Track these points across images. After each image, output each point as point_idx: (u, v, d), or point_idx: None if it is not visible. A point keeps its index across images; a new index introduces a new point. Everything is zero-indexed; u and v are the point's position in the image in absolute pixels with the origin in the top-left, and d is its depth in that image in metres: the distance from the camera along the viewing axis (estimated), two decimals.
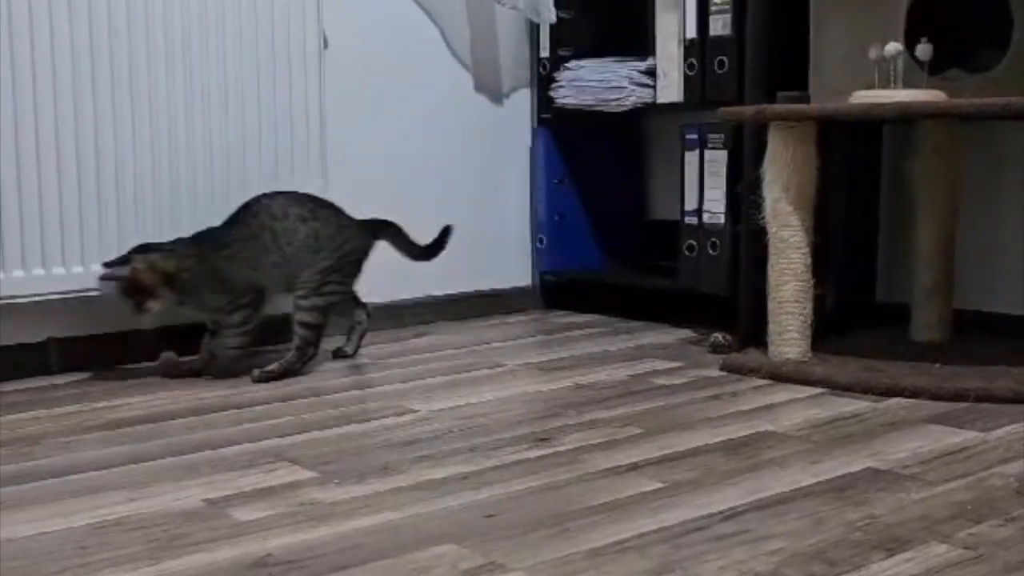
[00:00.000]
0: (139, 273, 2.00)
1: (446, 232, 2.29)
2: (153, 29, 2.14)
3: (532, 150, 2.85)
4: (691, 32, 2.47)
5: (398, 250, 2.27)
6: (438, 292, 2.73)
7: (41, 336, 2.14)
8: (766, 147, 2.08)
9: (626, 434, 1.70)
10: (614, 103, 2.61)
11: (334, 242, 2.11)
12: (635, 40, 2.64)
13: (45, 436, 1.72)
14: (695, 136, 2.47)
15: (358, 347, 2.32)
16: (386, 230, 2.25)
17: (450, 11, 2.70)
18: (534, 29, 2.80)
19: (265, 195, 2.12)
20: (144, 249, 2.04)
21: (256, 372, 2.09)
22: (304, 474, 1.51)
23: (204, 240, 2.08)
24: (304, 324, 2.10)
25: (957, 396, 1.86)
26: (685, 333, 2.53)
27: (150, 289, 2.01)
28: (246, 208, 2.10)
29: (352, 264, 2.16)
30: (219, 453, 1.62)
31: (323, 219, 2.11)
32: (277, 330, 2.25)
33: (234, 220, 2.10)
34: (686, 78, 2.49)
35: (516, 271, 2.87)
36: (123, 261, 2.02)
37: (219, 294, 2.07)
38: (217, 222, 2.11)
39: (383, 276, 2.62)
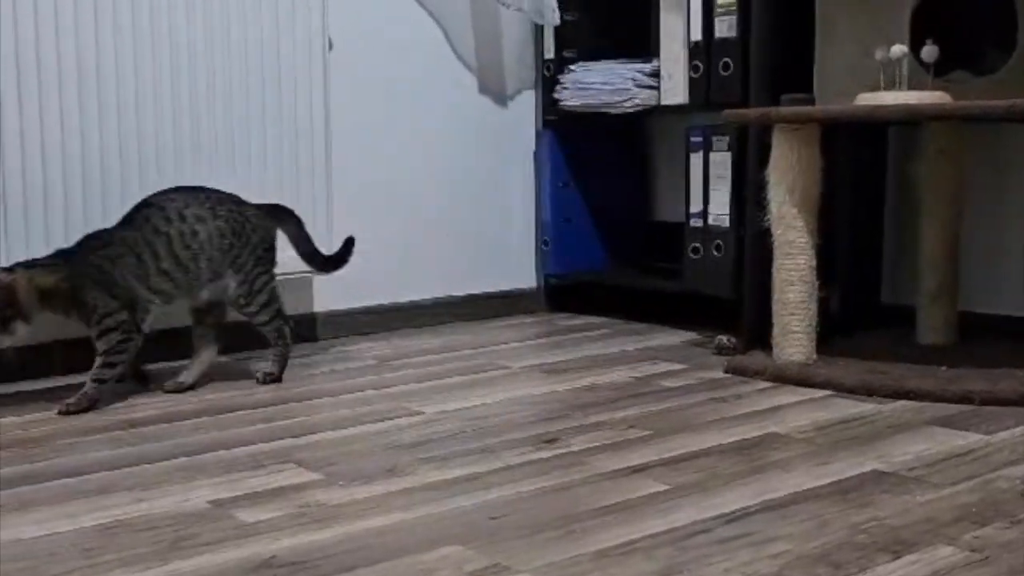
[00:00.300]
0: (17, 284, 1.84)
1: (349, 244, 2.23)
2: (158, 31, 2.15)
3: (537, 152, 2.85)
4: (696, 34, 2.47)
5: (294, 246, 2.17)
6: (443, 294, 2.73)
7: (46, 338, 2.14)
8: (771, 149, 2.08)
9: (631, 436, 1.70)
10: (618, 105, 2.61)
11: (241, 237, 2.03)
12: (639, 42, 2.65)
13: (51, 437, 1.73)
14: (700, 138, 2.47)
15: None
16: (285, 219, 2.15)
17: (454, 13, 2.70)
18: (538, 31, 2.81)
19: (160, 194, 2.00)
20: (27, 265, 1.89)
21: (260, 375, 2.09)
22: (310, 475, 1.52)
23: (86, 242, 1.94)
24: (265, 323, 2.08)
25: (962, 399, 1.86)
26: (690, 335, 2.53)
27: (24, 307, 1.85)
28: (137, 211, 1.97)
29: (267, 251, 2.09)
30: (226, 454, 1.62)
31: (224, 215, 2.01)
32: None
33: (124, 222, 1.97)
34: (691, 80, 2.49)
35: (521, 273, 2.87)
36: (5, 271, 1.87)
37: (101, 292, 1.89)
38: None
39: (385, 278, 2.63)
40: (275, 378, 2.09)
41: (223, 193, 2.06)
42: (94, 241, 1.95)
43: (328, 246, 2.38)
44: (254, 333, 2.21)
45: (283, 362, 2.11)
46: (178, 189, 2.04)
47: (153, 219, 1.96)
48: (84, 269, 1.91)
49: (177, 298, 2.01)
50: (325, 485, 1.47)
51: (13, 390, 2.03)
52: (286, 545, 1.26)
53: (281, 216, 2.15)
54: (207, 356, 2.07)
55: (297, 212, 2.30)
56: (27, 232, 2.02)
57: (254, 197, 2.24)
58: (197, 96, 2.20)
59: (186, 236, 1.97)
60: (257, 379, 2.09)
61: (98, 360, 1.91)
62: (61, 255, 1.93)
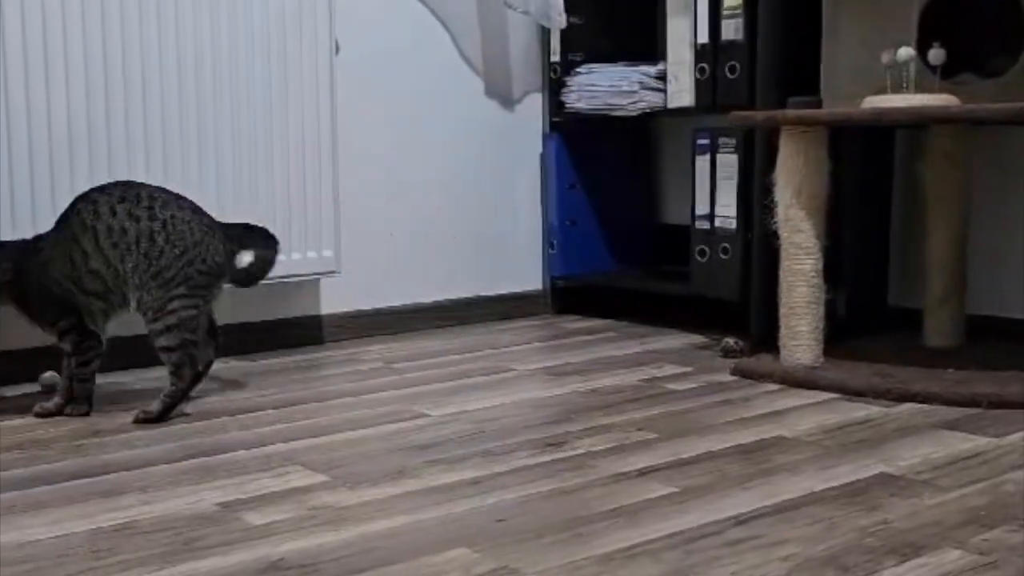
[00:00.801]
0: None
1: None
2: (164, 35, 2.15)
3: (543, 155, 2.86)
4: (703, 36, 2.47)
5: (253, 263, 1.96)
6: (449, 296, 2.73)
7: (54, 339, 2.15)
8: (777, 152, 2.08)
9: (638, 439, 1.70)
10: (625, 107, 2.61)
11: (176, 248, 1.82)
12: (646, 44, 2.65)
13: (60, 439, 1.73)
14: (707, 141, 2.47)
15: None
16: (254, 239, 1.96)
17: (461, 16, 2.71)
18: (545, 34, 2.81)
19: (99, 187, 1.87)
20: None
21: (139, 413, 1.84)
22: (317, 478, 1.52)
23: (29, 245, 1.87)
24: (166, 349, 1.84)
25: (970, 401, 1.86)
26: (696, 338, 2.53)
27: None
28: (71, 207, 1.86)
29: (203, 274, 1.84)
30: (232, 457, 1.62)
31: (162, 219, 1.82)
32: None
33: (59, 221, 1.86)
34: (697, 82, 2.50)
35: (527, 276, 2.87)
36: None
37: (42, 301, 1.84)
38: None
39: (392, 280, 2.64)
40: (153, 418, 1.82)
41: (174, 195, 1.88)
42: (32, 246, 1.86)
43: (334, 249, 2.39)
44: (263, 331, 2.21)
45: (172, 402, 1.84)
46: (122, 182, 1.90)
47: (82, 213, 1.83)
48: (25, 277, 1.84)
49: (114, 303, 1.86)
50: (333, 487, 1.48)
51: (24, 391, 2.04)
52: (295, 547, 1.26)
53: (248, 237, 1.95)
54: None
55: (299, 216, 2.29)
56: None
57: (260, 198, 2.25)
58: (203, 98, 2.21)
59: (114, 232, 1.81)
60: (136, 418, 1.83)
61: (72, 362, 1.88)
62: (14, 249, 1.86)
